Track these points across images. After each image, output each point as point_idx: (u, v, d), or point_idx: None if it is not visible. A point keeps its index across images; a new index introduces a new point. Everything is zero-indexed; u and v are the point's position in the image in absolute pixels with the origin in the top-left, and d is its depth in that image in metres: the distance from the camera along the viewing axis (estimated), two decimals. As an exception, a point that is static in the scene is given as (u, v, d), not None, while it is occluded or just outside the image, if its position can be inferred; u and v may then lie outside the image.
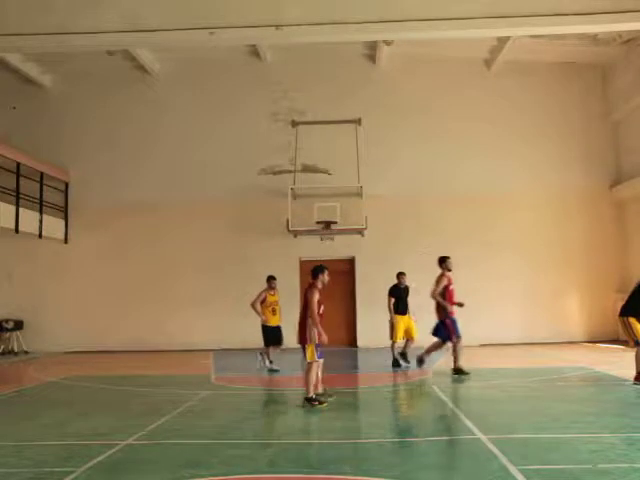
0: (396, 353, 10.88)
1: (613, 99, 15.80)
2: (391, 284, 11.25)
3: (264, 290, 10.89)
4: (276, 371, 10.67)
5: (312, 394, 7.27)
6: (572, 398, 7.75)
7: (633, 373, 8.36)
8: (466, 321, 14.80)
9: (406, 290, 11.15)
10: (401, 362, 10.80)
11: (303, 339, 7.31)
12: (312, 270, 7.57)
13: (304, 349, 7.31)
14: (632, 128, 15.07)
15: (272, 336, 10.82)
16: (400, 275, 11.23)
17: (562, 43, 14.44)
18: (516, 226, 15.41)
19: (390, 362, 10.86)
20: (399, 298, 11.05)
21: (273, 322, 10.83)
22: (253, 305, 10.68)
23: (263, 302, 10.76)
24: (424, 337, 10.62)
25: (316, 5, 11.64)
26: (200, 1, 11.82)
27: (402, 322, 10.95)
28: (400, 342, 10.99)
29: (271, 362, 10.83)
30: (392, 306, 10.98)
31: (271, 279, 11.02)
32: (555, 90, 15.93)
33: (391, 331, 10.95)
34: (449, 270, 9.95)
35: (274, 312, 10.83)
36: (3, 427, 6.64)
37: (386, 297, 11.11)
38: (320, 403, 7.21)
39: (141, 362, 13.27)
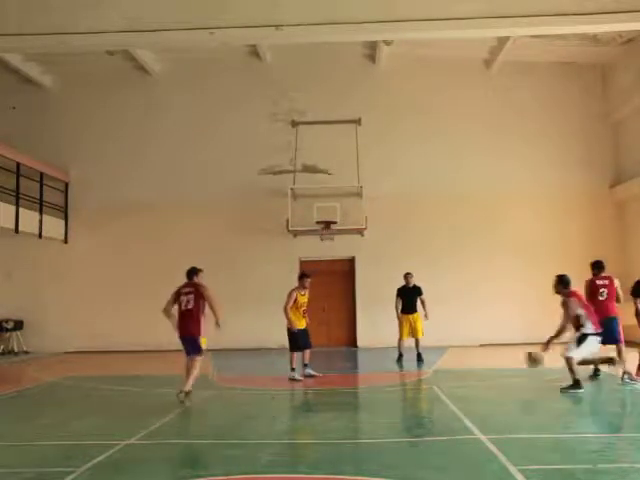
0: (402, 349, 11.58)
1: (613, 99, 15.79)
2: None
3: (294, 289, 9.90)
4: (299, 381, 9.65)
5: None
6: (572, 398, 7.74)
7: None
8: (466, 321, 14.94)
9: (412, 290, 11.56)
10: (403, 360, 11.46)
11: (196, 331, 8.07)
12: (189, 271, 8.62)
13: (194, 341, 8.03)
14: (632, 128, 15.06)
15: (301, 340, 9.86)
16: (406, 275, 11.70)
17: (562, 43, 14.44)
18: (516, 226, 15.40)
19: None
20: (404, 298, 11.56)
21: (302, 325, 9.92)
22: (285, 309, 9.68)
23: (295, 303, 9.80)
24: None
25: (316, 5, 11.63)
26: (200, 1, 11.82)
27: (406, 321, 11.46)
28: (407, 340, 11.57)
29: (293, 369, 9.79)
30: (396, 305, 11.58)
31: (304, 277, 10.06)
32: (555, 90, 15.92)
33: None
34: None
35: (305, 314, 9.95)
36: (3, 427, 6.64)
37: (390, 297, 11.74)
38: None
39: (141, 362, 13.27)
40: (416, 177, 15.59)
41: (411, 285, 11.57)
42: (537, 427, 6.04)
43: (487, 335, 14.87)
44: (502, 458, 4.81)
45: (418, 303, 11.56)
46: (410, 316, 11.45)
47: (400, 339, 11.59)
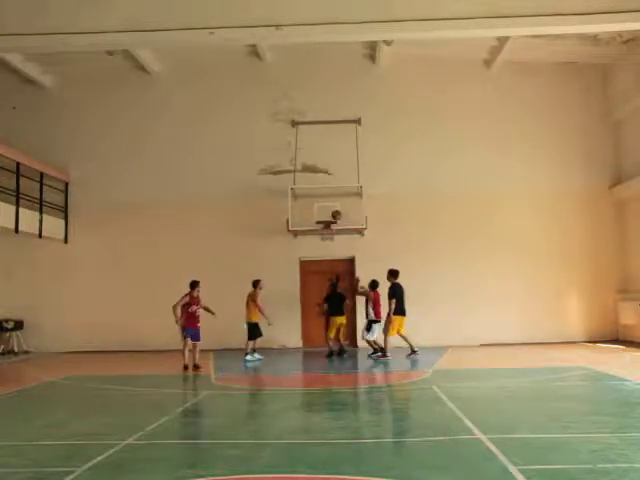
0: (332, 347, 12.98)
1: (613, 99, 15.79)
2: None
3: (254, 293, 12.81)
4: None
5: None
6: (572, 398, 7.75)
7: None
8: (466, 321, 14.95)
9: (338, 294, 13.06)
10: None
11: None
12: None
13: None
14: (632, 128, 15.07)
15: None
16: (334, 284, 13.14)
17: (562, 43, 14.42)
18: (516, 225, 15.41)
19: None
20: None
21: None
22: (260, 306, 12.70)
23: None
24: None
25: (316, 5, 11.61)
26: (200, 1, 11.81)
27: (335, 322, 12.88)
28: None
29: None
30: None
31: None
32: (555, 90, 15.92)
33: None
34: None
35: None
36: (3, 427, 6.64)
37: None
38: None
39: (141, 362, 13.27)
40: (416, 177, 15.59)
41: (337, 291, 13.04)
42: (537, 427, 6.04)
43: (487, 335, 14.88)
44: (502, 458, 4.81)
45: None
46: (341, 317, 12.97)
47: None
